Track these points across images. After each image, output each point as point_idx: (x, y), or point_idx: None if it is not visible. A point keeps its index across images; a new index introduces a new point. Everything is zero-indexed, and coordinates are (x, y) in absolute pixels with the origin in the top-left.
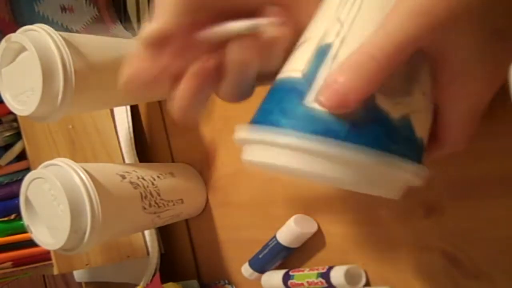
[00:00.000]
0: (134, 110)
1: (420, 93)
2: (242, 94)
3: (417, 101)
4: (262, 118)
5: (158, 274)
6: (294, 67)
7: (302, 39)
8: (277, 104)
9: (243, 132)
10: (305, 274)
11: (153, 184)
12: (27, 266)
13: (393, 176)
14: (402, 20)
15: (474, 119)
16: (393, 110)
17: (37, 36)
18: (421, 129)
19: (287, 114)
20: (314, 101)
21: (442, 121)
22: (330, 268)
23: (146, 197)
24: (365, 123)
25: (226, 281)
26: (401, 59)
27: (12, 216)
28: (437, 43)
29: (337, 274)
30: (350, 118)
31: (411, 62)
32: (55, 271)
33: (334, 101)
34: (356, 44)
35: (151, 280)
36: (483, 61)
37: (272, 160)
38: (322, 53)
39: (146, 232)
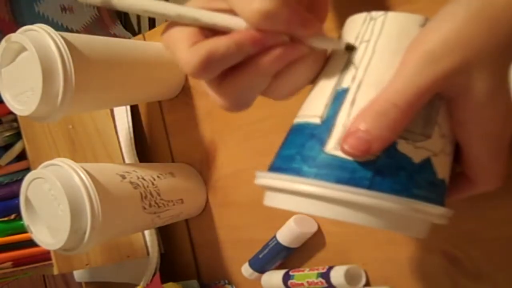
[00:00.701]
0: (134, 110)
1: (439, 135)
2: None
3: (437, 143)
4: (284, 165)
5: (158, 274)
6: (312, 112)
7: (317, 80)
8: (298, 151)
9: (265, 179)
10: (305, 274)
11: (153, 184)
12: (27, 266)
13: (417, 220)
14: (419, 66)
15: (499, 157)
16: (415, 154)
17: (37, 36)
18: (443, 171)
19: (309, 162)
20: (335, 149)
21: (468, 160)
22: (330, 268)
23: (146, 197)
24: (388, 170)
25: (226, 281)
26: (421, 105)
27: (12, 216)
28: (453, 86)
29: (337, 274)
30: (373, 165)
31: (429, 105)
32: (55, 271)
33: (358, 149)
34: (372, 88)
35: (151, 280)
36: (496, 100)
37: (295, 208)
38: (339, 97)
39: (146, 232)
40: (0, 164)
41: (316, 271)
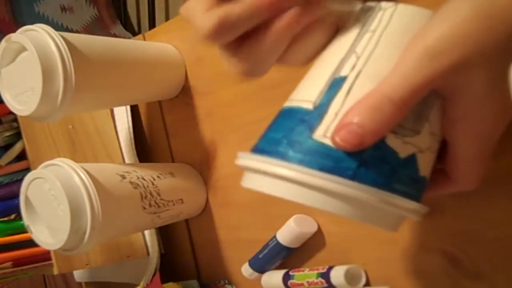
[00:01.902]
0: (134, 110)
1: (429, 133)
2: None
3: (424, 140)
4: (268, 148)
5: (158, 274)
6: (305, 97)
7: (316, 65)
8: (286, 134)
9: (249, 160)
10: (305, 274)
11: (153, 184)
12: (27, 266)
13: (393, 214)
14: (417, 62)
15: (484, 158)
16: (401, 149)
17: (37, 36)
18: (425, 168)
19: (295, 147)
20: (323, 136)
21: (453, 158)
22: (330, 268)
23: (146, 197)
24: (373, 162)
25: (226, 281)
26: (417, 101)
27: (12, 216)
28: (450, 83)
29: (337, 274)
30: (359, 156)
31: (423, 101)
32: (55, 271)
33: (350, 142)
34: (370, 80)
35: (151, 280)
36: (492, 99)
37: (274, 192)
38: (335, 85)
39: (146, 232)
40: (0, 164)
41: (316, 271)
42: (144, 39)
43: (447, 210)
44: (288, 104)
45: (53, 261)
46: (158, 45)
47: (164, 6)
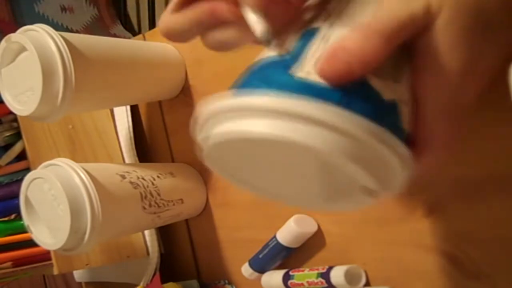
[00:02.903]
0: (134, 110)
1: (406, 85)
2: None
3: (403, 91)
4: (240, 86)
5: (158, 274)
6: (273, 53)
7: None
8: (261, 79)
9: (214, 104)
10: (305, 274)
11: (153, 184)
12: (27, 266)
13: (382, 154)
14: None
15: (451, 117)
16: (384, 91)
17: (37, 36)
18: (406, 122)
19: (274, 85)
20: (305, 74)
21: (419, 117)
22: (330, 268)
23: (146, 197)
24: (357, 97)
25: (226, 281)
26: (401, 38)
27: (12, 216)
28: (423, 25)
29: (337, 274)
30: (342, 90)
31: (400, 52)
32: (55, 271)
33: (337, 68)
34: (345, 27)
35: (151, 280)
36: (459, 51)
37: (248, 128)
38: (309, 35)
39: (146, 232)
40: (0, 164)
41: (316, 271)
42: (144, 39)
43: (447, 210)
44: (258, 57)
45: (53, 261)
46: (158, 45)
47: (164, 6)
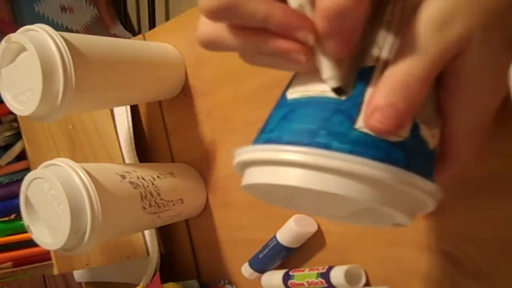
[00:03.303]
0: (134, 110)
1: (437, 110)
2: None
3: (436, 120)
4: (301, 139)
5: (158, 274)
6: (326, 87)
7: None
8: (322, 125)
9: (281, 153)
10: (305, 274)
11: (153, 184)
12: (27, 266)
13: (418, 197)
14: (427, 34)
15: (479, 133)
16: (430, 140)
17: (37, 36)
18: (436, 146)
19: (339, 138)
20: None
21: (448, 133)
22: (330, 268)
23: (146, 197)
24: (415, 153)
25: (226, 281)
26: (436, 73)
27: (12, 216)
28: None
29: (337, 274)
30: (404, 147)
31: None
32: (55, 271)
33: (388, 124)
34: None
35: (151, 280)
36: (490, 70)
37: (324, 187)
38: (364, 74)
39: (146, 232)
40: (0, 164)
41: (316, 271)
42: (144, 39)
43: (447, 210)
44: (306, 93)
45: (53, 261)
46: (158, 45)
47: (164, 6)
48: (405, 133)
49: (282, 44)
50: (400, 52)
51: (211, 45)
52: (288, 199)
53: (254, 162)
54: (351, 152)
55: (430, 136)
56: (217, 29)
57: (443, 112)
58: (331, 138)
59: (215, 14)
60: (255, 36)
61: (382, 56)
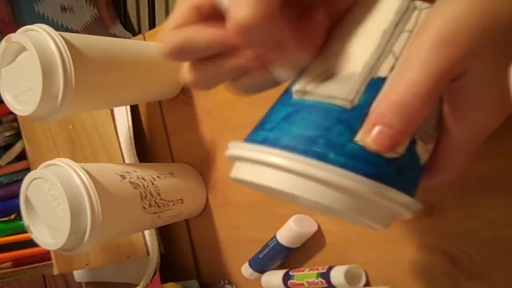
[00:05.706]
0: (134, 110)
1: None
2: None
3: (431, 147)
4: (300, 146)
5: (158, 274)
6: (336, 94)
7: (335, 51)
8: (322, 134)
9: (283, 159)
10: (305, 274)
11: (153, 184)
12: (27, 266)
13: (397, 211)
14: (431, 51)
15: (473, 150)
16: (423, 156)
17: (37, 36)
18: (425, 160)
19: (336, 150)
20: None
21: (445, 150)
22: (330, 268)
23: (146, 197)
24: (406, 170)
25: (226, 281)
26: (439, 91)
27: (12, 216)
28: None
29: (337, 274)
30: (396, 164)
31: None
32: (55, 271)
33: (383, 144)
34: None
35: (151, 280)
36: (495, 88)
37: (310, 195)
38: (374, 86)
39: (146, 232)
40: (0, 164)
41: (316, 271)
42: (144, 39)
43: (447, 210)
44: (314, 98)
45: (53, 261)
46: (158, 45)
47: (164, 6)
48: (401, 149)
49: (235, 60)
50: (401, 68)
51: (196, 86)
52: (280, 194)
53: (246, 159)
54: (344, 165)
55: (424, 151)
56: (199, 72)
57: (443, 128)
58: (328, 149)
59: (173, 56)
60: (210, 63)
61: (397, 66)
